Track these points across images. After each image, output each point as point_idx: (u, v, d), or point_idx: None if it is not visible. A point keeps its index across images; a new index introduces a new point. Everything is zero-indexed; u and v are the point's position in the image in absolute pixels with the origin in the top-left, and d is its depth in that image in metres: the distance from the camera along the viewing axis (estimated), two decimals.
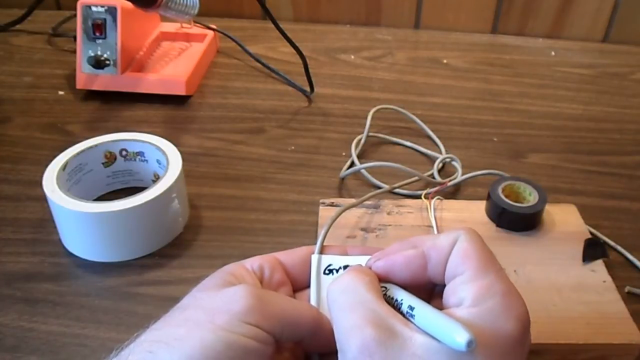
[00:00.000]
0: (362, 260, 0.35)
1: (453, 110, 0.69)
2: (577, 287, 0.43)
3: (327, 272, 0.35)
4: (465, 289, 0.29)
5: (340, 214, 0.42)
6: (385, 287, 0.31)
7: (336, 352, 0.31)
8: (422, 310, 0.28)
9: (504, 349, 0.27)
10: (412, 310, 0.28)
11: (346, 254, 0.36)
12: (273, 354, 0.29)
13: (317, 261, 0.36)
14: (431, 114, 0.68)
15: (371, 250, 0.37)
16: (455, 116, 0.68)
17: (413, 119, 0.66)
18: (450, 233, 0.31)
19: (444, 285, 0.31)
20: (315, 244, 0.36)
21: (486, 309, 0.27)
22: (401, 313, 0.29)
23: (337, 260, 0.36)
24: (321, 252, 0.36)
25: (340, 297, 0.30)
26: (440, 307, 0.29)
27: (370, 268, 0.33)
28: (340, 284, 0.31)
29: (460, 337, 0.25)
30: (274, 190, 0.56)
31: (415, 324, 0.28)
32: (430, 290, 0.33)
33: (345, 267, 0.36)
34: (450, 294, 0.29)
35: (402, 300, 0.30)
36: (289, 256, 0.36)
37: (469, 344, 0.25)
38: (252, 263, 0.34)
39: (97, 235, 0.46)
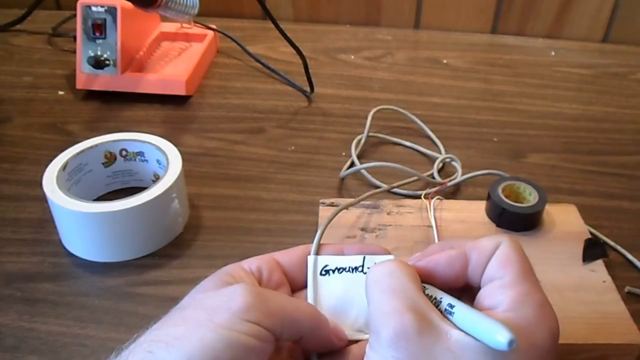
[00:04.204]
0: (358, 260, 0.36)
1: (453, 110, 0.69)
2: (577, 287, 0.43)
3: (323, 272, 0.35)
4: (502, 293, 0.29)
5: (336, 213, 0.42)
6: (424, 286, 0.31)
7: (333, 352, 0.31)
8: (462, 309, 0.28)
9: (534, 358, 0.27)
10: (451, 308, 0.29)
11: (342, 253, 0.36)
12: (272, 353, 0.29)
13: (314, 262, 0.36)
14: (431, 114, 0.68)
15: (367, 249, 0.37)
16: (455, 116, 0.68)
17: (413, 119, 0.65)
18: (493, 237, 0.32)
19: (473, 289, 0.31)
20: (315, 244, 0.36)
21: (522, 317, 0.28)
22: (439, 309, 0.29)
23: (333, 261, 0.36)
24: (317, 252, 0.36)
25: (385, 279, 0.30)
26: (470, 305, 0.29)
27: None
28: (386, 267, 0.31)
29: (502, 337, 0.25)
30: (274, 190, 0.56)
31: (453, 321, 0.28)
32: (460, 293, 0.33)
33: (341, 269, 0.36)
34: (485, 296, 0.29)
35: (441, 298, 0.30)
36: (287, 256, 0.36)
37: (511, 343, 0.25)
38: (250, 264, 0.34)
39: (97, 235, 0.46)
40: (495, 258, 0.30)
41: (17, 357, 0.40)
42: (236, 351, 0.27)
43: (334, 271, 0.36)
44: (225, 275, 0.32)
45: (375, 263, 0.36)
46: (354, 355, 0.33)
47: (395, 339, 0.27)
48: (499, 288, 0.29)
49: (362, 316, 0.34)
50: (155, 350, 0.27)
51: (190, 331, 0.27)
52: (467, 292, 0.32)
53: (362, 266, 0.36)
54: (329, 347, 0.33)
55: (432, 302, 0.30)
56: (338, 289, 0.35)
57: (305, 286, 0.35)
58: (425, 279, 0.32)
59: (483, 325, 0.26)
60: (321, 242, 0.37)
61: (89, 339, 0.41)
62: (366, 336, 0.34)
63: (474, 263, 0.31)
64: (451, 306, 0.29)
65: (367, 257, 0.36)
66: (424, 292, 0.31)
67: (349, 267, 0.36)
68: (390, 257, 0.37)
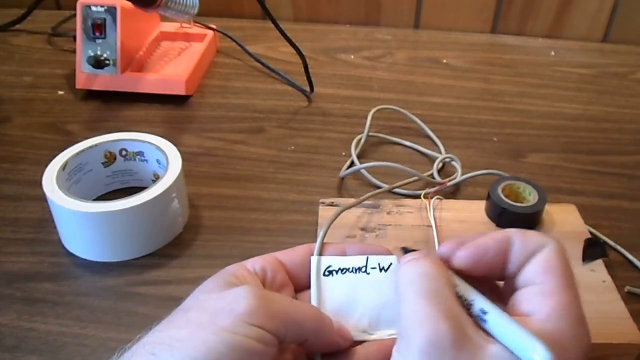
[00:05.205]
0: (362, 260, 0.35)
1: (453, 110, 0.69)
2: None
3: (327, 273, 0.35)
4: (541, 301, 0.28)
5: (339, 214, 0.42)
6: (456, 284, 0.30)
7: (338, 353, 0.31)
8: (497, 316, 0.27)
9: None
10: (484, 315, 0.27)
11: (344, 253, 0.36)
12: (276, 356, 0.29)
13: (317, 263, 0.36)
14: (431, 114, 0.68)
15: (369, 249, 0.36)
16: (455, 116, 0.68)
17: (413, 119, 0.65)
18: (541, 234, 0.30)
19: (505, 277, 0.30)
20: (316, 243, 0.36)
21: (559, 329, 0.27)
22: (470, 314, 0.28)
23: (337, 262, 0.36)
24: (320, 252, 0.36)
25: (420, 281, 0.28)
26: (503, 308, 0.28)
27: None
28: (422, 267, 0.29)
29: (539, 356, 0.24)
30: (274, 190, 0.56)
31: (487, 329, 0.27)
32: (494, 288, 0.32)
33: (345, 269, 0.36)
34: (523, 301, 0.28)
35: (473, 300, 0.28)
36: (290, 257, 0.35)
37: None
38: (254, 264, 0.34)
39: (97, 235, 0.46)
40: (538, 261, 0.29)
41: (17, 357, 0.40)
42: (239, 355, 0.27)
43: (337, 272, 0.35)
44: (229, 276, 0.32)
45: (379, 264, 0.36)
46: (359, 357, 0.32)
47: (428, 348, 0.26)
48: (538, 295, 0.28)
49: (366, 317, 0.34)
50: (159, 353, 0.27)
51: (194, 334, 0.27)
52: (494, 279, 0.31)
53: (366, 267, 0.36)
54: (334, 349, 0.32)
55: (463, 304, 0.28)
56: (342, 290, 0.35)
57: (308, 287, 0.35)
58: (468, 267, 0.30)
59: (519, 338, 0.25)
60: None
61: (89, 339, 0.41)
62: (371, 337, 0.34)
63: (516, 252, 0.29)
64: (484, 312, 0.27)
65: (370, 257, 0.36)
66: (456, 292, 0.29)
67: (353, 268, 0.36)
68: (393, 257, 0.36)
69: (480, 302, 0.28)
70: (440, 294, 0.27)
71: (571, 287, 0.28)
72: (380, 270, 0.36)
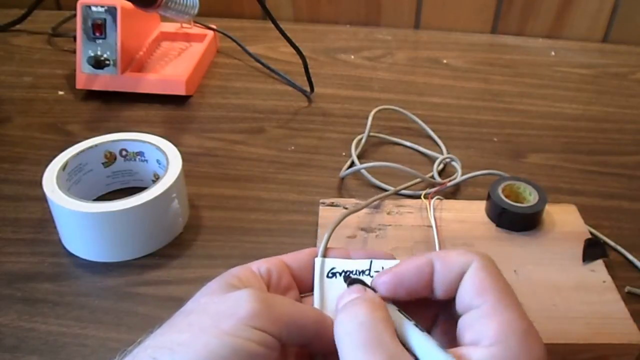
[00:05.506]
0: (365, 264, 0.36)
1: (453, 110, 0.69)
2: (577, 287, 0.43)
3: (330, 275, 0.35)
4: (483, 324, 0.27)
5: (345, 216, 0.42)
6: (393, 319, 0.29)
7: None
8: (418, 342, 0.27)
9: None
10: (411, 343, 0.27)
11: (349, 257, 0.36)
12: (278, 359, 0.29)
13: (321, 264, 0.36)
14: (431, 114, 0.68)
15: (374, 254, 0.36)
16: (455, 116, 0.68)
17: (413, 119, 0.66)
18: (462, 253, 0.30)
19: (449, 313, 0.30)
20: (317, 244, 0.36)
21: (507, 348, 0.26)
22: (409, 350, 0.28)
23: (340, 264, 0.36)
24: (325, 254, 0.36)
25: (358, 332, 0.28)
26: (448, 334, 0.28)
27: (375, 292, 0.31)
28: (356, 316, 0.28)
29: None
30: (274, 190, 0.56)
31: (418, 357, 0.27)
32: (434, 316, 0.32)
33: (346, 272, 0.36)
34: (466, 329, 0.28)
35: (406, 331, 0.28)
36: (295, 259, 0.35)
37: None
38: (260, 266, 0.34)
39: (97, 235, 0.46)
40: (470, 283, 0.29)
41: (17, 357, 0.40)
42: (241, 358, 0.26)
43: (340, 274, 0.35)
44: (232, 278, 0.32)
45: (382, 267, 0.36)
46: None
47: None
48: (479, 319, 0.27)
49: None
50: (160, 357, 0.26)
51: (195, 338, 0.27)
52: (441, 317, 0.32)
53: (370, 269, 0.36)
54: (336, 350, 0.32)
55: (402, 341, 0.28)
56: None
57: (312, 289, 0.35)
58: (390, 294, 0.30)
59: (434, 355, 0.26)
60: (315, 245, 0.37)
61: (89, 339, 0.41)
62: None
63: (440, 275, 0.29)
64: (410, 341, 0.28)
65: (374, 261, 0.36)
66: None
67: (356, 270, 0.36)
68: (397, 261, 0.37)
69: (413, 337, 0.28)
70: (378, 342, 0.27)
71: (509, 301, 0.28)
72: None
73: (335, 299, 0.34)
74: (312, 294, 0.35)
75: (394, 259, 0.36)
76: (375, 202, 0.50)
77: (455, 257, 0.30)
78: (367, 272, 0.36)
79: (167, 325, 0.29)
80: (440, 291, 0.30)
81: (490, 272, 0.29)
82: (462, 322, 0.29)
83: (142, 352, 0.27)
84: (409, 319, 0.29)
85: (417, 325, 0.29)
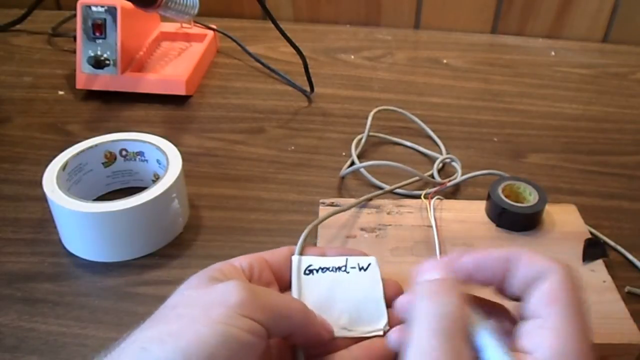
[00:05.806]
0: (341, 260, 0.37)
1: (453, 110, 0.69)
2: None
3: (307, 272, 0.37)
4: (543, 336, 0.27)
5: (331, 215, 0.42)
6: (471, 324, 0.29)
7: (320, 351, 0.31)
8: (491, 353, 0.27)
9: None
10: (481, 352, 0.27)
11: (324, 255, 0.38)
12: (264, 350, 0.29)
13: (298, 262, 0.37)
14: (431, 114, 0.68)
15: (348, 252, 0.38)
16: (455, 116, 0.68)
17: (413, 119, 0.65)
18: (548, 259, 0.29)
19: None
20: (317, 244, 0.37)
21: None
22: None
23: (317, 261, 0.37)
24: (301, 253, 0.38)
25: (439, 321, 0.27)
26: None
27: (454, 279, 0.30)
28: (444, 307, 0.28)
29: None
30: (274, 190, 0.56)
31: None
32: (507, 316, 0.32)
33: (324, 269, 0.36)
34: (525, 334, 0.28)
35: (477, 334, 0.28)
36: (274, 256, 0.37)
37: None
38: (241, 262, 0.35)
39: (97, 235, 0.46)
40: (543, 292, 0.28)
41: (17, 357, 0.40)
42: (231, 346, 0.27)
43: (317, 271, 0.37)
44: (214, 272, 0.33)
45: (358, 263, 0.37)
46: (340, 355, 0.33)
47: None
48: (540, 329, 0.27)
49: (346, 314, 0.35)
50: (149, 347, 0.27)
51: (185, 327, 0.27)
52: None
53: (345, 266, 0.37)
54: (318, 341, 0.33)
55: (470, 338, 0.28)
56: (322, 288, 0.36)
57: (289, 286, 0.36)
58: (471, 275, 0.30)
59: None
60: (316, 244, 0.38)
61: (89, 339, 0.41)
62: (350, 333, 0.35)
63: (517, 273, 0.29)
64: (482, 348, 0.27)
65: (349, 258, 0.37)
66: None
67: (333, 267, 0.37)
68: (372, 258, 0.38)
69: (481, 335, 0.28)
70: (454, 337, 0.27)
71: (576, 320, 0.27)
72: (360, 269, 0.37)
73: (313, 295, 0.35)
74: (290, 291, 0.36)
75: (367, 255, 0.38)
76: (375, 202, 0.50)
77: (539, 261, 0.29)
78: (343, 269, 0.37)
79: (154, 319, 0.29)
80: (512, 289, 0.29)
81: (567, 287, 0.28)
82: (524, 327, 0.28)
83: (130, 345, 0.27)
84: (483, 319, 0.29)
85: (489, 327, 0.28)
